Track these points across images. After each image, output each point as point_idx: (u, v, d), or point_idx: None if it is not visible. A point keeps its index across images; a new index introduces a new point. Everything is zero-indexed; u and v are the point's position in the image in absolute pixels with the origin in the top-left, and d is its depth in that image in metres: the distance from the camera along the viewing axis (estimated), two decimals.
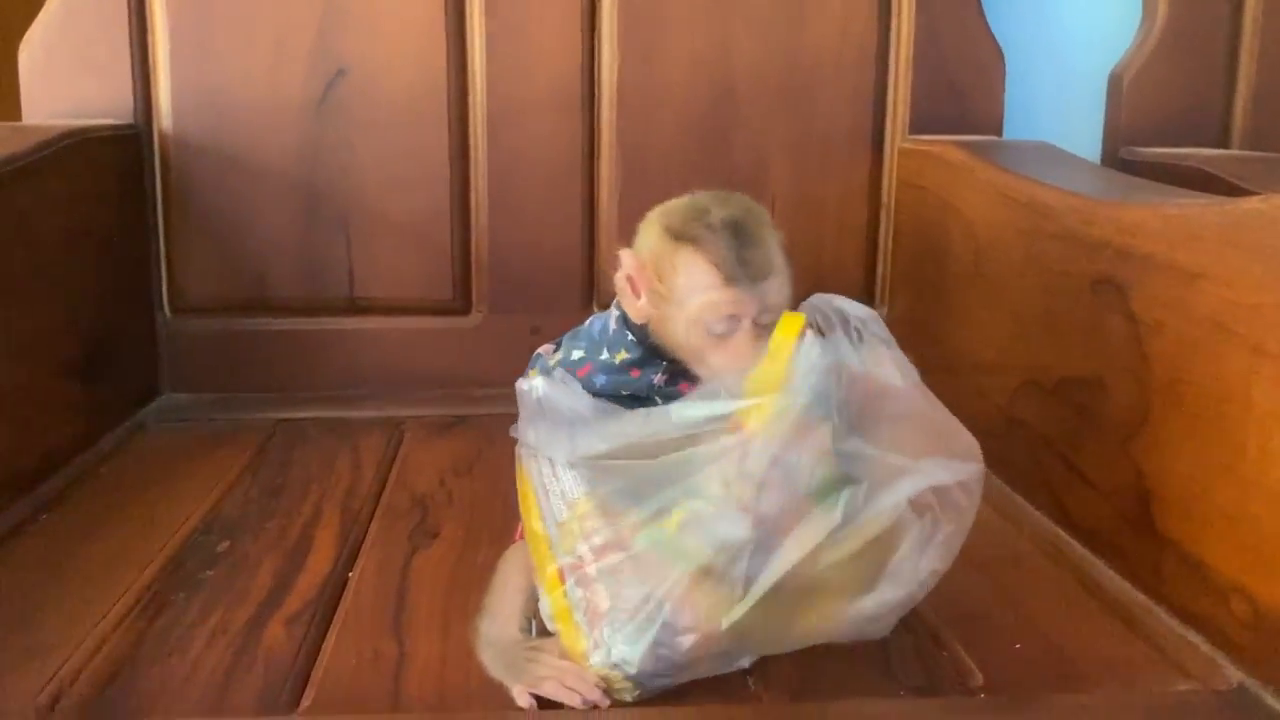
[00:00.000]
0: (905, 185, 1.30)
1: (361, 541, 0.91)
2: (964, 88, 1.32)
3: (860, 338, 0.70)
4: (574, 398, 0.69)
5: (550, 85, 1.28)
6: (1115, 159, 1.35)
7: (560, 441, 0.69)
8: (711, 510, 0.65)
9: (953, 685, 0.70)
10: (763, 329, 0.72)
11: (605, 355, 0.78)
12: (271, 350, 1.29)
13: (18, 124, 1.18)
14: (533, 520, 0.71)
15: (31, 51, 1.23)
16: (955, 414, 1.12)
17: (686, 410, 0.68)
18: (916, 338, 1.26)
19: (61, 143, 1.09)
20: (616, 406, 0.70)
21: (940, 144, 1.23)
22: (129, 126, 1.24)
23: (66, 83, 1.24)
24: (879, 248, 1.35)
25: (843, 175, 1.33)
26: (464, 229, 1.30)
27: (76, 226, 1.12)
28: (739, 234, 0.72)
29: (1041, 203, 0.98)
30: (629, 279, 0.76)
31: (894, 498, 0.65)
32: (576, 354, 0.79)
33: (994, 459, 1.05)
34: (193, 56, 1.25)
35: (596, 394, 0.77)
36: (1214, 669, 0.71)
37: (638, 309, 0.76)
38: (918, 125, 1.31)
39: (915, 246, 1.27)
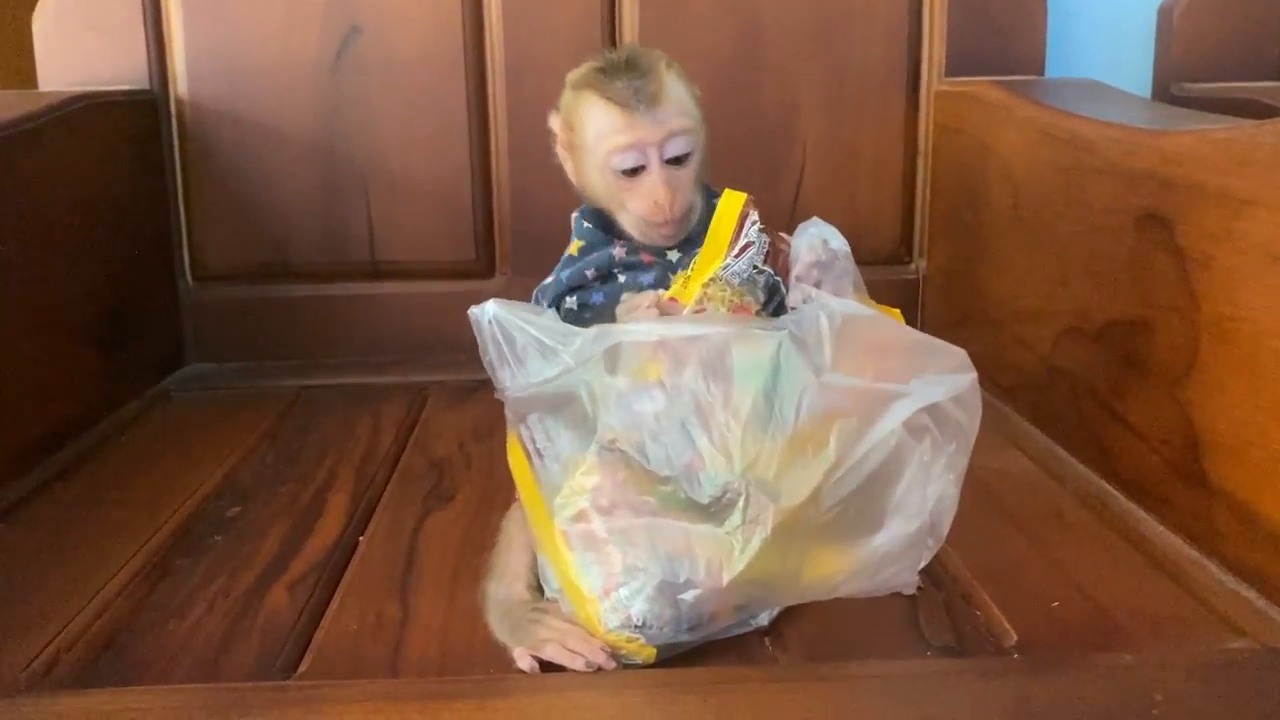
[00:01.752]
0: (942, 129, 1.24)
1: (375, 505, 0.89)
2: (1004, 25, 1.25)
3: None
4: (527, 315, 0.66)
5: (569, 32, 1.24)
6: (1166, 96, 1.28)
7: (510, 368, 0.65)
8: (626, 385, 0.62)
9: (984, 645, 0.66)
10: (673, 165, 0.75)
11: (566, 253, 0.80)
12: (294, 317, 1.27)
13: (28, 90, 1.17)
14: (528, 486, 0.67)
15: (44, 20, 1.22)
16: (996, 366, 1.08)
17: (635, 327, 0.66)
18: (956, 288, 1.21)
19: (71, 107, 1.07)
20: (571, 327, 0.66)
21: (978, 84, 1.17)
22: (144, 92, 1.22)
23: (80, 50, 1.22)
24: (916, 196, 1.29)
25: (877, 120, 1.27)
26: (485, 187, 1.27)
27: (91, 193, 1.11)
28: (630, 67, 0.75)
29: (1082, 137, 0.92)
30: (560, 143, 0.80)
31: (888, 425, 0.61)
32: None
33: (1036, 411, 1.01)
34: (206, 19, 1.23)
35: (564, 291, 0.78)
36: (1268, 625, 0.66)
37: (569, 170, 0.81)
38: (955, 66, 1.25)
39: (953, 193, 1.22)
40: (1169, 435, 0.78)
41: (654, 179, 0.74)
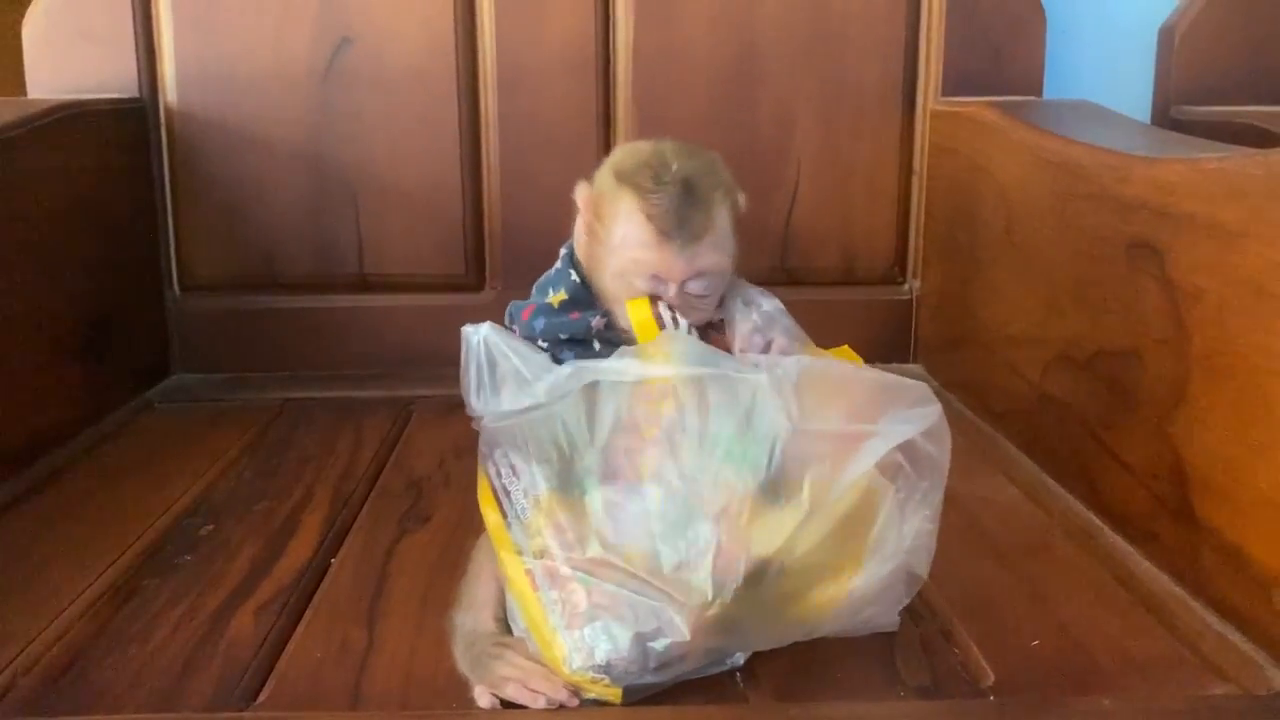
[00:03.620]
0: (938, 149, 1.23)
1: (350, 526, 0.88)
2: (1001, 45, 1.24)
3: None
4: (515, 345, 0.64)
5: (563, 46, 1.22)
6: (1166, 119, 1.27)
7: (485, 394, 0.64)
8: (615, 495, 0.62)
9: (960, 686, 0.64)
10: (691, 298, 0.70)
11: (547, 297, 0.75)
12: (281, 329, 1.26)
13: (15, 98, 1.16)
14: (495, 522, 0.66)
15: (34, 26, 1.21)
16: (987, 391, 1.07)
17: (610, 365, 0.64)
18: (949, 311, 1.20)
19: (55, 115, 1.06)
20: (551, 363, 0.65)
21: (973, 104, 1.16)
22: (134, 100, 1.21)
23: (70, 57, 1.21)
24: (911, 216, 1.27)
25: (872, 139, 1.26)
26: (476, 201, 1.26)
27: (78, 200, 1.09)
28: (685, 191, 0.69)
29: (1075, 162, 0.90)
30: (582, 219, 0.74)
31: (861, 468, 0.60)
32: (527, 300, 0.76)
33: (1025, 438, 0.99)
34: (197, 28, 1.22)
35: (535, 338, 0.73)
36: (1253, 670, 0.64)
37: (580, 244, 0.75)
38: (951, 86, 1.23)
39: (948, 214, 1.20)
40: (1157, 470, 0.77)
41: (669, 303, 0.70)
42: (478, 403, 0.65)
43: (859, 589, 0.63)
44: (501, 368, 0.64)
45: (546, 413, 0.62)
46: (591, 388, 0.62)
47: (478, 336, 0.66)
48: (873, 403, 0.62)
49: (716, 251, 0.70)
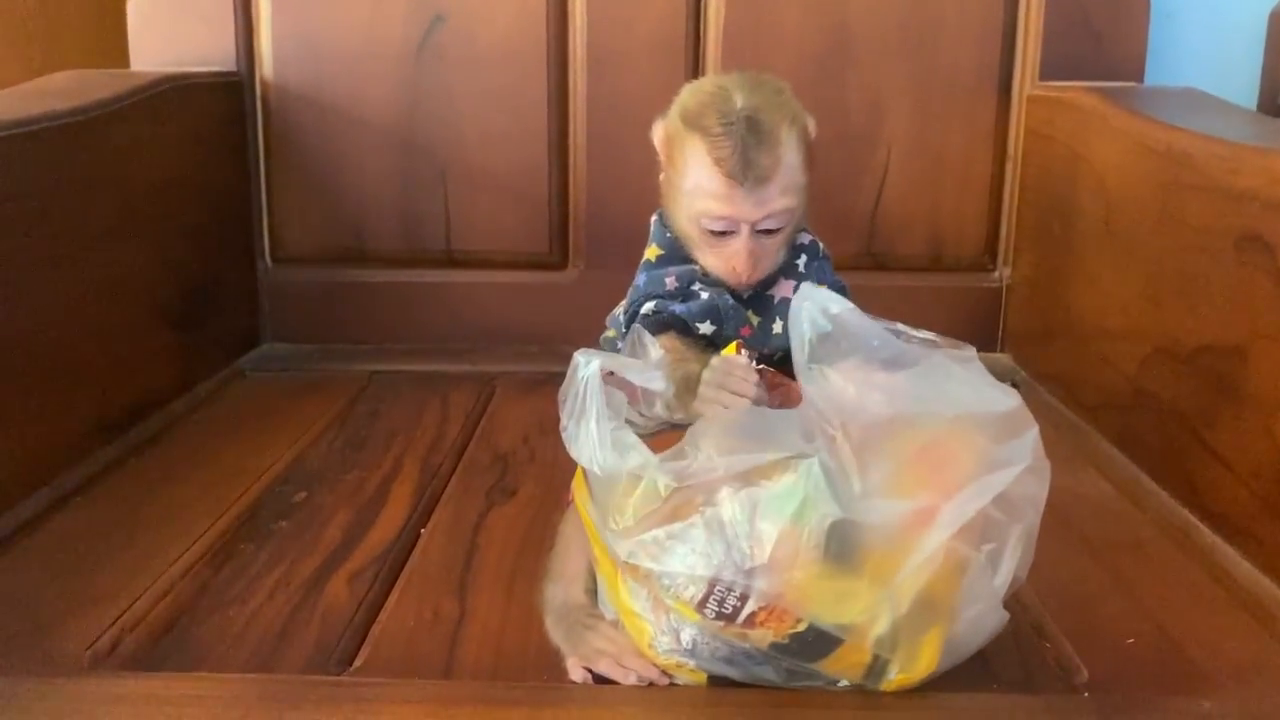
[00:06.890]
0: (1034, 135, 1.20)
1: (438, 497, 0.89)
2: (1102, 28, 1.21)
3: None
4: (612, 396, 0.61)
5: (653, 28, 1.22)
6: (1274, 108, 1.23)
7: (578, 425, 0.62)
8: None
9: (1054, 682, 0.63)
10: (763, 235, 0.71)
11: (644, 258, 0.77)
12: (369, 302, 1.28)
13: (120, 71, 1.19)
14: (587, 507, 0.66)
15: (139, 2, 1.24)
16: (1079, 384, 1.05)
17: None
18: (1040, 300, 1.18)
19: (159, 88, 1.09)
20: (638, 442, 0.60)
21: (1072, 90, 1.13)
22: (231, 74, 1.24)
23: (172, 31, 1.24)
24: (1003, 203, 1.25)
25: (966, 123, 1.23)
26: (562, 181, 1.26)
27: (176, 172, 1.12)
28: (751, 130, 0.69)
29: (1181, 151, 0.88)
30: (660, 156, 0.76)
31: (929, 545, 0.55)
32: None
33: (1120, 433, 0.97)
34: (293, 4, 1.24)
35: (642, 298, 0.75)
36: None
37: (662, 183, 0.76)
38: (1049, 70, 1.21)
39: (1042, 202, 1.18)
40: (1260, 469, 0.75)
41: (739, 247, 0.71)
42: (571, 431, 0.63)
43: (954, 636, 0.59)
44: (593, 411, 0.62)
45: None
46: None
47: (586, 372, 0.62)
48: (963, 449, 0.57)
49: (786, 193, 0.70)
